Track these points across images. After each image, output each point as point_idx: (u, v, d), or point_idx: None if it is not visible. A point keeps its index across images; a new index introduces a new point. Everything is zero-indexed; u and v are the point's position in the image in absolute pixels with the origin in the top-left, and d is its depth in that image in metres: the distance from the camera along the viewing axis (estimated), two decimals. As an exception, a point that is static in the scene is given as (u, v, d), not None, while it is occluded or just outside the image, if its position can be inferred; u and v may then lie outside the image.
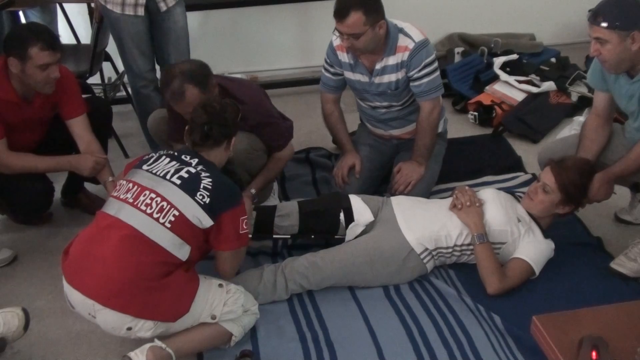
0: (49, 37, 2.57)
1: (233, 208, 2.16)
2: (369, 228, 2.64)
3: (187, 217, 2.09)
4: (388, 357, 2.26)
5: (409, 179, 2.92)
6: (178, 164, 2.18)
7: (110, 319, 2.04)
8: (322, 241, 2.70)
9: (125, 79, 3.61)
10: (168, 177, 2.13)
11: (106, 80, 4.05)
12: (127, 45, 3.16)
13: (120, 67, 3.60)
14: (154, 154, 2.28)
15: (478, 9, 4.62)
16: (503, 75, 4.06)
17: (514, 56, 4.25)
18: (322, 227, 2.65)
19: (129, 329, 2.05)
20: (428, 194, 3.00)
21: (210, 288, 2.19)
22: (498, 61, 4.18)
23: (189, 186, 2.11)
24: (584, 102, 3.88)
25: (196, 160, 2.20)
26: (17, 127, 2.72)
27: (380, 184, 3.14)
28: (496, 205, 2.58)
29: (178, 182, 2.12)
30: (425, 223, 2.56)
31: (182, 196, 2.09)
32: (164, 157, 2.24)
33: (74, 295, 2.07)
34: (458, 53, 4.40)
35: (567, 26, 4.72)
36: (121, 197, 2.14)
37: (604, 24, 2.29)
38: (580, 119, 3.58)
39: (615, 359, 1.68)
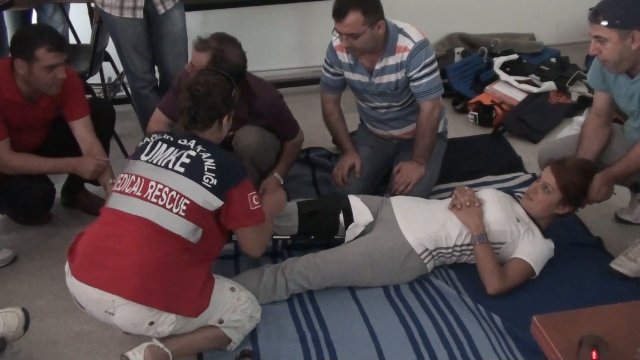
0: (55, 39, 2.58)
1: (239, 184, 2.14)
2: (368, 228, 2.64)
3: (198, 203, 2.07)
4: (388, 357, 2.26)
5: (409, 179, 2.92)
6: (177, 150, 2.14)
7: (132, 314, 2.00)
8: (321, 242, 2.70)
9: (125, 79, 3.62)
10: (170, 166, 2.10)
11: (106, 80, 4.05)
12: (126, 47, 3.17)
13: (120, 67, 3.60)
14: (148, 140, 2.23)
15: (478, 9, 4.62)
16: (503, 75, 4.06)
17: (514, 56, 4.25)
18: (322, 228, 2.65)
19: (151, 323, 2.02)
20: (428, 194, 3.00)
21: (222, 290, 2.17)
22: (498, 61, 4.18)
23: (194, 171, 2.08)
24: (584, 102, 3.88)
25: (193, 141, 2.16)
26: (21, 128, 2.72)
27: (380, 184, 3.14)
28: (495, 205, 2.58)
29: (182, 170, 2.09)
30: (425, 223, 2.56)
31: (189, 183, 2.07)
32: (160, 143, 2.19)
33: (87, 293, 2.01)
34: (458, 53, 4.40)
35: (567, 26, 4.72)
36: (126, 191, 2.10)
37: (604, 23, 2.29)
38: (580, 119, 3.58)
39: (615, 359, 1.67)
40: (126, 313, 2.00)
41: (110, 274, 1.99)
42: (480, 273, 2.50)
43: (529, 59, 4.34)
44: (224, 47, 2.61)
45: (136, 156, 2.19)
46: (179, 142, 2.17)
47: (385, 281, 2.55)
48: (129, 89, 3.64)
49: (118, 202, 2.12)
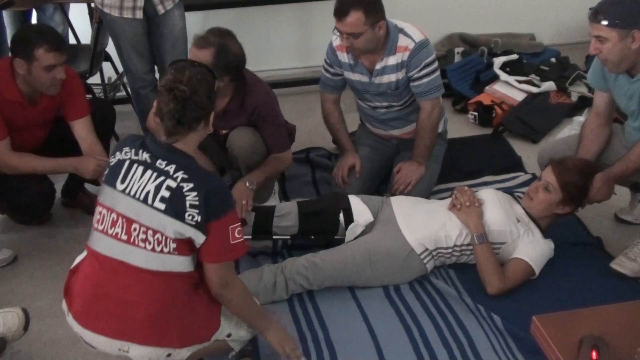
0: (54, 39, 2.58)
1: (222, 217, 1.91)
2: (368, 228, 2.64)
3: (183, 238, 1.89)
4: (388, 357, 2.26)
5: (409, 179, 2.92)
6: (155, 175, 1.90)
7: (148, 352, 1.94)
8: (321, 242, 2.70)
9: (125, 79, 3.61)
10: (150, 201, 1.88)
11: (106, 80, 4.05)
12: (125, 47, 3.17)
13: (120, 67, 3.60)
14: (121, 157, 1.96)
15: (478, 9, 4.62)
16: (503, 75, 4.06)
17: (514, 56, 4.25)
18: (322, 227, 2.65)
19: (169, 355, 1.96)
20: (428, 194, 3.00)
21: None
22: (498, 61, 4.18)
23: (175, 209, 1.87)
24: (584, 102, 3.88)
25: (173, 166, 1.90)
26: (21, 128, 2.72)
27: (380, 184, 3.14)
28: (495, 206, 2.58)
29: (162, 206, 1.87)
30: (425, 223, 2.56)
31: (171, 222, 1.87)
32: (136, 165, 1.93)
33: (96, 339, 1.94)
34: (458, 53, 4.40)
35: (567, 26, 4.72)
36: (110, 232, 1.92)
37: (605, 22, 2.29)
38: (580, 119, 3.58)
39: (615, 359, 1.67)
40: (141, 351, 1.94)
41: (119, 323, 1.91)
42: (480, 273, 2.50)
43: (529, 59, 4.33)
44: (225, 41, 2.60)
45: (110, 181, 1.95)
46: (157, 164, 1.91)
47: (385, 281, 2.55)
48: (129, 89, 3.65)
49: (105, 246, 1.93)
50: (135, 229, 1.90)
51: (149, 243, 1.89)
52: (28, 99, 2.68)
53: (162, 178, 1.90)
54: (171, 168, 1.90)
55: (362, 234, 2.62)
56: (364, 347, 2.30)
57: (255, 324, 2.13)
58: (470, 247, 2.53)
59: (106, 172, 1.99)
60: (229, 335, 2.10)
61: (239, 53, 2.63)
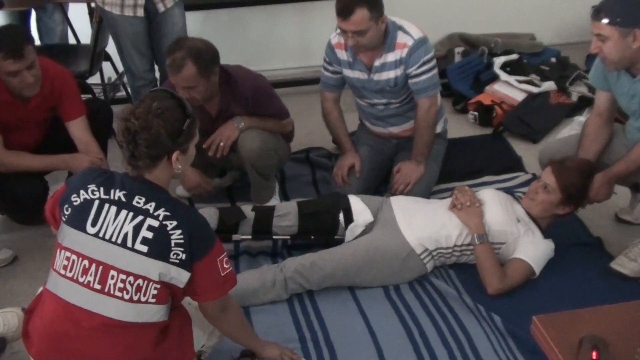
0: (10, 45, 2.50)
1: (208, 253, 1.81)
2: (368, 228, 2.63)
3: (167, 281, 1.78)
4: (388, 357, 2.25)
5: (409, 179, 2.92)
6: (132, 215, 1.76)
7: None
8: (321, 242, 2.70)
9: (125, 79, 3.61)
10: (129, 243, 1.74)
11: (106, 80, 4.05)
12: (126, 45, 3.18)
13: (120, 67, 3.60)
14: (88, 196, 1.79)
15: (478, 9, 4.62)
16: (503, 75, 4.05)
17: (514, 56, 4.25)
18: (322, 227, 2.65)
19: None
20: (428, 194, 3.00)
21: (198, 319, 2.02)
22: (498, 61, 4.17)
23: (159, 250, 1.75)
24: (584, 102, 3.88)
25: (152, 203, 1.76)
26: (15, 127, 2.71)
27: (380, 184, 3.14)
28: (495, 206, 2.58)
29: (144, 249, 1.74)
30: (425, 223, 2.56)
31: (155, 264, 1.75)
32: (107, 205, 1.77)
33: None
34: (458, 53, 4.40)
35: (567, 26, 4.72)
36: (80, 280, 1.75)
37: (606, 20, 2.29)
38: (580, 119, 3.58)
39: (615, 359, 1.67)
40: None
41: None
42: (480, 273, 2.50)
43: (529, 59, 4.33)
44: (192, 44, 2.59)
45: (77, 224, 1.79)
46: (135, 203, 1.77)
47: (384, 281, 2.55)
48: (129, 89, 3.64)
49: (74, 295, 1.77)
50: (112, 277, 1.75)
51: (127, 292, 1.75)
52: (18, 97, 2.66)
53: (140, 217, 1.76)
54: (151, 206, 1.77)
55: (362, 234, 2.62)
56: (363, 348, 2.29)
57: (251, 342, 2.13)
58: (471, 247, 2.53)
59: (68, 212, 1.80)
60: (202, 346, 2.08)
61: (210, 47, 2.63)
